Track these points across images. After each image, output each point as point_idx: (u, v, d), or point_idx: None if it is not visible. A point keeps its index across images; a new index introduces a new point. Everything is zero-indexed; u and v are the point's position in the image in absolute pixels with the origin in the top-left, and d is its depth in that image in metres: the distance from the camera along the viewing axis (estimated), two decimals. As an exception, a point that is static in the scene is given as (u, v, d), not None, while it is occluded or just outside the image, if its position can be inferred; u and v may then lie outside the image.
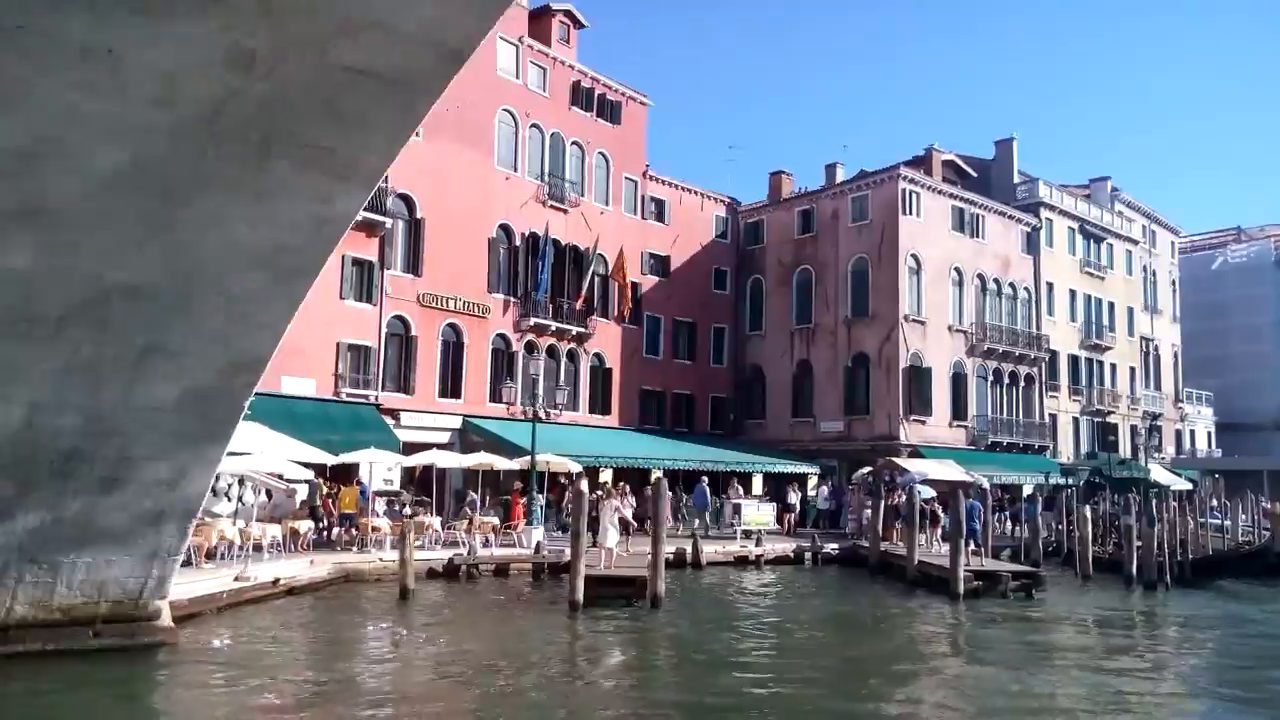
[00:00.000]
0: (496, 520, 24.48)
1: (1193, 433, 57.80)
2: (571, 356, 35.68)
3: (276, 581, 17.89)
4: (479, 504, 25.62)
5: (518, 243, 33.72)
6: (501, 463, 26.79)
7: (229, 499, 19.59)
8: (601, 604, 17.54)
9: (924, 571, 22.15)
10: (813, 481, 36.47)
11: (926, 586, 21.59)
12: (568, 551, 18.72)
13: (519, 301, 33.56)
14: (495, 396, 32.52)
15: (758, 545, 26.76)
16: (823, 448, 38.95)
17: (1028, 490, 39.52)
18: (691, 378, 40.56)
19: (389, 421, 28.99)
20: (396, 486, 28.37)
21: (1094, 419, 46.56)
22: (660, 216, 39.92)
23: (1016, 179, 45.38)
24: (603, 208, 37.27)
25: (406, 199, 30.43)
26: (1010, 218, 43.00)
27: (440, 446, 29.32)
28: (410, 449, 27.92)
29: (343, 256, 28.22)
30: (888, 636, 16.98)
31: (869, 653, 15.51)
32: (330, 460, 23.52)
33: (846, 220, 39.78)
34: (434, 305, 30.87)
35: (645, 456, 33.09)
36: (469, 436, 30.97)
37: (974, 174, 44.12)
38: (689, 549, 25.25)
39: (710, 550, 25.97)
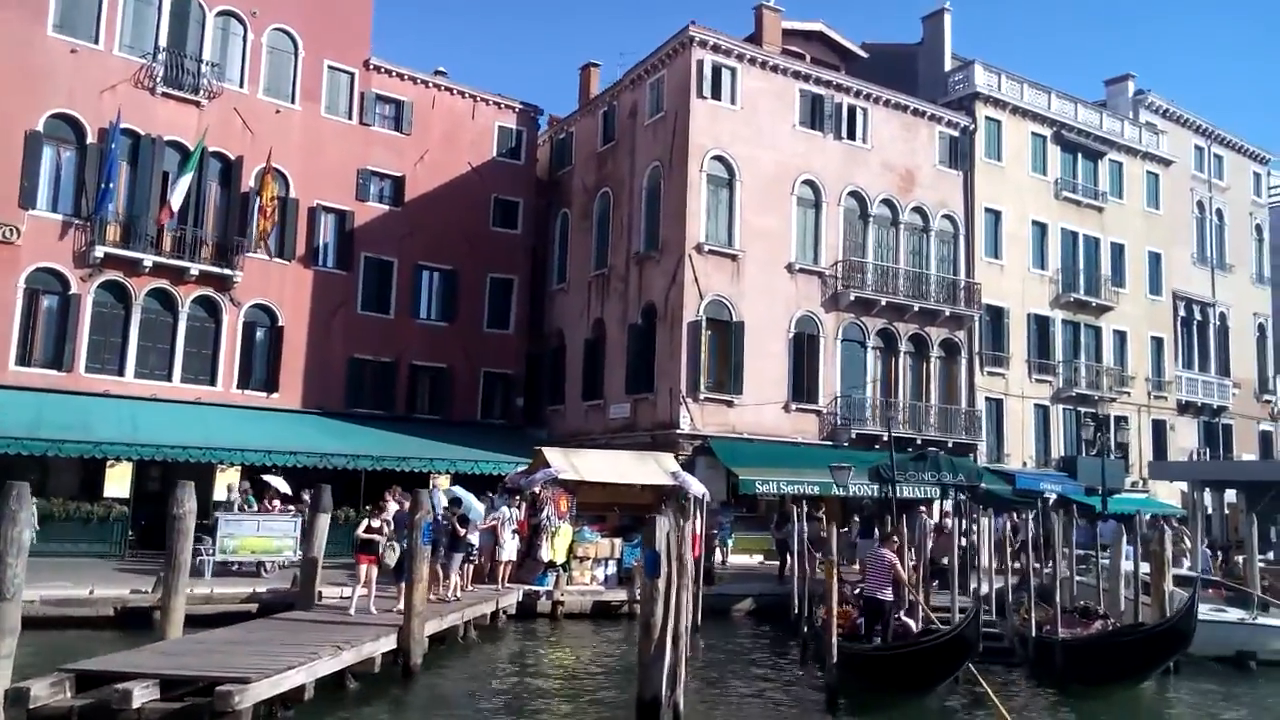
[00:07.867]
0: None
1: (1290, 435, 41.56)
2: (208, 307, 25.42)
3: None
4: None
5: (92, 141, 23.81)
6: None
7: None
8: None
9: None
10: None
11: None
12: None
13: (87, 225, 23.57)
14: (26, 358, 22.76)
15: (154, 592, 15.54)
16: (611, 441, 26.92)
17: (947, 506, 26.77)
18: (451, 347, 29.37)
19: None
20: None
21: (1076, 409, 32.05)
22: (398, 124, 29.09)
23: (948, 65, 31.76)
24: (280, 104, 26.86)
25: None
26: (918, 113, 29.55)
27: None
28: None
29: None
30: None
31: None
32: None
33: (645, 116, 27.74)
34: (-110, 220, 21.34)
35: (230, 448, 22.29)
36: (-49, 414, 21.23)
37: (865, 56, 30.75)
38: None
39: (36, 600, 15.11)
